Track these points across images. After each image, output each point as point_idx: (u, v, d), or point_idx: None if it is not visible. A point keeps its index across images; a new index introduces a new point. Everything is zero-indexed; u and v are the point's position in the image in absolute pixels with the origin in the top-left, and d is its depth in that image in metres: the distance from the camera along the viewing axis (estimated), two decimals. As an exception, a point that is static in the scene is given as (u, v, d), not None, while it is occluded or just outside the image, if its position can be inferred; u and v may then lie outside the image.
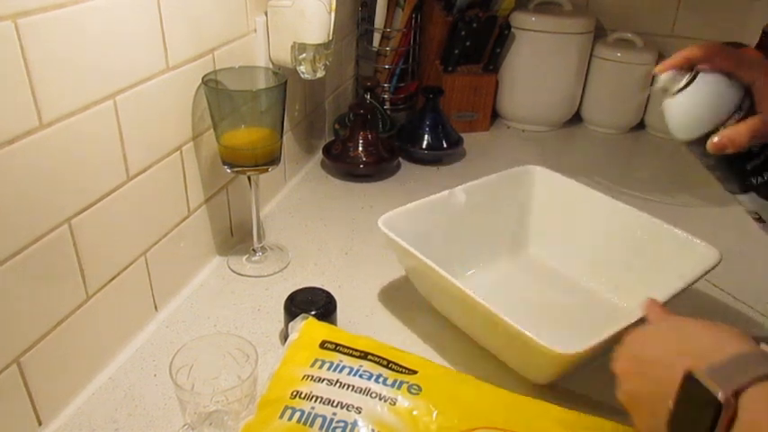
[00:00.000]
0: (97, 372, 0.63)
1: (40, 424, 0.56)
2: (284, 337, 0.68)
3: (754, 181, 0.55)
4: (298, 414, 0.47)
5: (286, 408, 0.48)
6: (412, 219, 0.73)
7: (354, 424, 0.47)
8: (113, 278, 0.63)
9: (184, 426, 0.54)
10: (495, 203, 0.81)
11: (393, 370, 0.53)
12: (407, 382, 0.51)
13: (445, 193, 0.77)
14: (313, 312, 0.66)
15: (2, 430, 0.52)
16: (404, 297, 0.76)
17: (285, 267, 0.81)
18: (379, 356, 0.54)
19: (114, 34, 0.57)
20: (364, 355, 0.53)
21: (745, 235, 0.94)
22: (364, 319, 0.73)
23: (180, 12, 0.66)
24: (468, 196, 0.78)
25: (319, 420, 0.46)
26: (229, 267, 0.81)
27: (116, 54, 0.58)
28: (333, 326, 0.62)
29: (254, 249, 0.82)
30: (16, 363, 0.52)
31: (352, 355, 0.53)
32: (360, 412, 0.47)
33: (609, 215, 0.78)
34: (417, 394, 0.50)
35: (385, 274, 0.80)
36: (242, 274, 0.79)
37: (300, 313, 0.65)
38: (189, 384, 0.54)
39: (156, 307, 0.71)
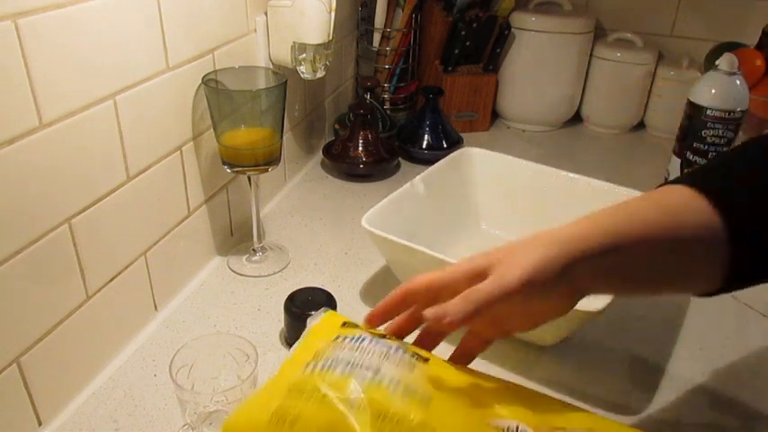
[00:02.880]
0: (97, 372, 0.63)
1: (40, 424, 0.56)
2: (284, 337, 0.69)
3: None
4: (321, 364, 0.46)
5: (308, 363, 0.47)
6: (388, 215, 0.74)
7: (378, 370, 0.45)
8: (113, 278, 0.63)
9: (184, 426, 0.55)
10: (446, 188, 0.85)
11: (410, 347, 0.52)
12: (423, 360, 0.49)
13: (407, 185, 0.80)
14: (313, 312, 0.66)
15: (2, 430, 0.52)
16: (404, 297, 0.76)
17: (285, 267, 0.81)
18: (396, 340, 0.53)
19: (114, 34, 0.57)
20: (384, 336, 0.52)
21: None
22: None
23: (180, 12, 0.66)
24: (426, 185, 0.81)
25: (342, 365, 0.45)
26: (229, 267, 0.81)
27: (116, 54, 0.58)
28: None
29: (253, 249, 0.82)
30: (16, 363, 0.52)
31: (372, 332, 0.52)
32: (378, 371, 0.45)
33: (547, 182, 0.84)
34: (428, 363, 0.49)
35: (385, 273, 0.80)
36: (242, 274, 0.80)
37: (300, 313, 0.65)
38: (189, 384, 0.54)
39: (156, 307, 0.71)
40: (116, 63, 0.58)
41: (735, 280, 0.45)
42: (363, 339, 0.50)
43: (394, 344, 0.50)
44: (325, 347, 0.49)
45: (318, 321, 0.55)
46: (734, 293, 0.70)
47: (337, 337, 0.51)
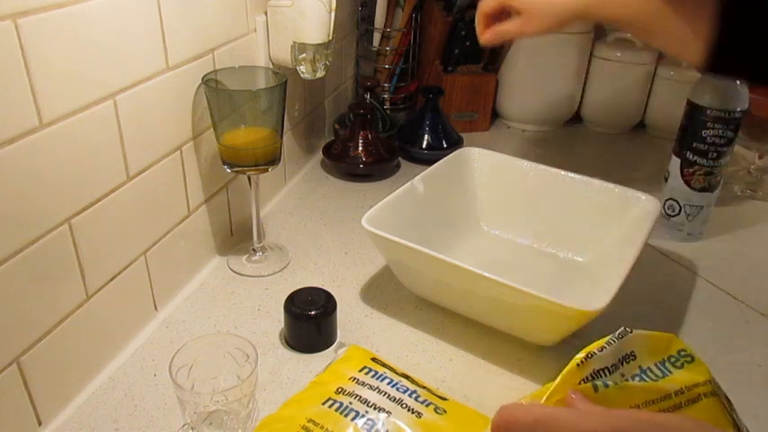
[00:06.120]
0: (97, 372, 0.63)
1: (40, 424, 0.56)
2: (284, 337, 0.69)
3: None
4: (337, 405, 0.54)
5: (329, 398, 0.55)
6: (388, 215, 0.74)
7: (379, 425, 0.52)
8: (113, 278, 0.63)
9: (184, 426, 0.55)
10: (445, 188, 0.85)
11: (427, 390, 0.57)
12: (435, 404, 0.55)
13: (407, 185, 0.79)
14: (313, 312, 0.66)
15: (2, 430, 0.52)
16: (404, 296, 0.76)
17: (285, 267, 0.81)
18: (416, 381, 0.59)
19: (114, 34, 0.57)
20: (405, 376, 0.59)
21: (746, 235, 0.94)
22: (364, 318, 0.73)
23: (180, 11, 0.66)
24: (425, 185, 0.81)
25: (353, 414, 0.53)
26: (229, 267, 0.81)
27: (116, 54, 0.58)
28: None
29: (253, 249, 0.82)
30: (16, 363, 0.52)
31: (395, 372, 0.59)
32: (388, 416, 0.53)
33: (546, 182, 0.85)
34: (442, 415, 0.54)
35: (384, 273, 0.80)
36: (242, 274, 0.80)
37: (300, 313, 0.65)
38: (189, 384, 0.54)
39: (155, 307, 0.71)
40: (116, 63, 0.58)
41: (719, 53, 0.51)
42: (384, 378, 0.57)
43: (411, 387, 0.57)
44: (349, 380, 0.57)
45: (343, 355, 0.61)
46: (734, 294, 0.70)
47: (363, 368, 0.58)
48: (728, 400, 0.47)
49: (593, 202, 0.81)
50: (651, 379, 0.45)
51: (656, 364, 0.46)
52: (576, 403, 0.41)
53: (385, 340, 0.69)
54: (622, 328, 0.46)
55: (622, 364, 0.45)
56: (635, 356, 0.46)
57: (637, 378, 0.45)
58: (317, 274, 0.80)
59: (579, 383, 0.43)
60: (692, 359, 0.47)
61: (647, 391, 0.45)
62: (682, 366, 0.47)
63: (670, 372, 0.46)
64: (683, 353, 0.47)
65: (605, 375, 0.44)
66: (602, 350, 0.45)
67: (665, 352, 0.47)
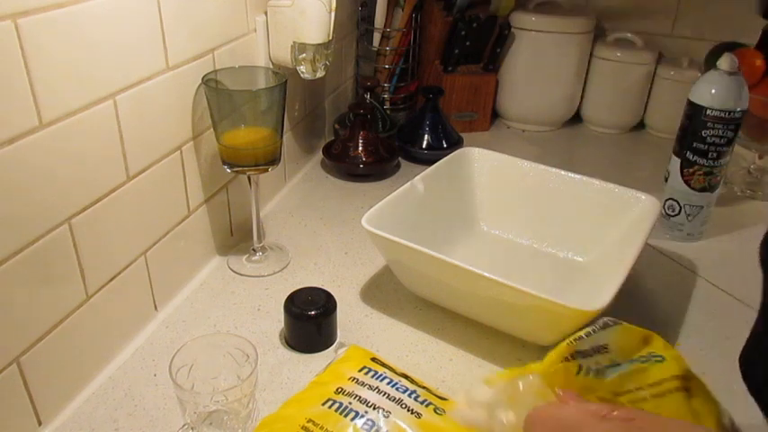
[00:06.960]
0: (97, 372, 0.63)
1: (39, 424, 0.56)
2: (284, 337, 0.69)
3: None
4: (337, 405, 0.54)
5: (329, 399, 0.55)
6: (388, 215, 0.74)
7: (379, 425, 0.52)
8: (113, 278, 0.63)
9: (184, 426, 0.55)
10: (445, 188, 0.85)
11: (426, 390, 0.57)
12: (435, 404, 0.55)
13: (407, 185, 0.79)
14: (313, 312, 0.66)
15: (2, 430, 0.52)
16: (404, 296, 0.76)
17: (285, 267, 0.81)
18: (416, 381, 0.59)
19: (114, 34, 0.57)
20: (405, 376, 0.59)
21: (746, 235, 0.94)
22: (364, 318, 0.73)
23: (180, 11, 0.66)
24: (426, 185, 0.81)
25: (352, 414, 0.53)
26: (229, 267, 0.81)
27: (116, 54, 0.58)
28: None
29: (253, 249, 0.82)
30: (16, 363, 0.52)
31: (394, 372, 0.59)
32: (388, 416, 0.53)
33: (546, 182, 0.85)
34: (441, 415, 0.54)
35: (384, 273, 0.80)
36: (242, 274, 0.80)
37: (300, 313, 0.65)
38: (189, 384, 0.54)
39: (155, 307, 0.71)
40: (116, 63, 0.58)
41: None
42: (383, 378, 0.57)
43: (411, 387, 0.57)
44: (348, 380, 0.56)
45: (345, 352, 0.61)
46: (734, 294, 0.70)
47: (362, 368, 0.58)
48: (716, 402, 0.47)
49: (593, 202, 0.81)
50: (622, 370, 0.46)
51: (628, 362, 0.47)
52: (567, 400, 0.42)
53: (385, 340, 0.69)
54: (605, 319, 0.47)
55: (596, 354, 0.46)
56: (608, 350, 0.47)
57: (610, 371, 0.46)
58: (317, 274, 0.80)
59: (567, 359, 0.45)
60: (663, 360, 0.48)
61: (617, 383, 0.46)
62: (650, 363, 0.47)
63: (642, 367, 0.47)
64: (653, 354, 0.48)
65: (585, 358, 0.45)
66: (586, 336, 0.46)
67: (636, 351, 0.48)
